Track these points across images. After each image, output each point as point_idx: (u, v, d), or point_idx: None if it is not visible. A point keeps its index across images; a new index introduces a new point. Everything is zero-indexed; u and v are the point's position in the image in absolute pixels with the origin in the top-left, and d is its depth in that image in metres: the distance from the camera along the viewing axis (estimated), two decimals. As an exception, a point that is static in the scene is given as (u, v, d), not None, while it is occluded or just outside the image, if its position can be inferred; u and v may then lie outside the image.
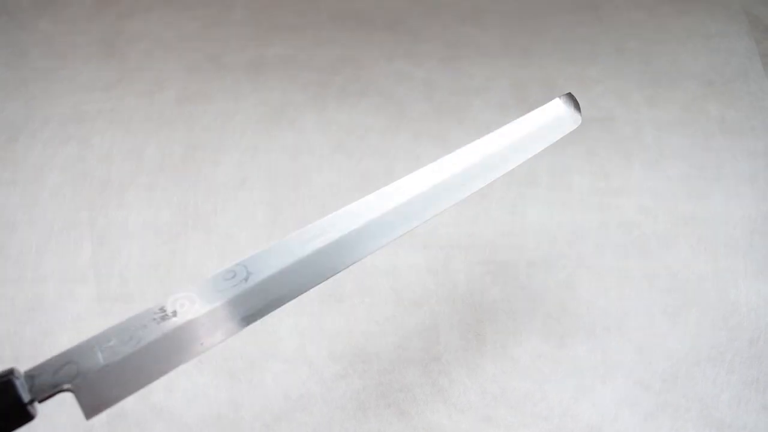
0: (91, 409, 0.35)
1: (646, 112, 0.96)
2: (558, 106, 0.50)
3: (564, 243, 0.83)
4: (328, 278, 0.43)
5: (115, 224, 0.83)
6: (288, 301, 0.43)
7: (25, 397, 0.34)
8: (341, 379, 0.71)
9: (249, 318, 0.41)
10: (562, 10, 1.10)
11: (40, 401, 0.34)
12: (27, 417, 0.34)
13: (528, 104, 0.95)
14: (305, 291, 0.43)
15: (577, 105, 0.50)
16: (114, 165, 0.89)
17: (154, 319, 0.37)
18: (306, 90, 0.99)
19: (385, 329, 0.74)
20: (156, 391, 0.69)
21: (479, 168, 0.46)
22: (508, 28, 1.08)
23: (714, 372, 0.72)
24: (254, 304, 0.41)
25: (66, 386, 0.35)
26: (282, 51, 1.04)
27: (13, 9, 1.09)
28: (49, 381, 0.34)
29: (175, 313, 0.38)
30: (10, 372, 0.34)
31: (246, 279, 0.41)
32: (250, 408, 0.68)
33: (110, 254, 0.81)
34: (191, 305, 0.38)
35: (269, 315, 0.42)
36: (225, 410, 0.68)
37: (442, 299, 0.77)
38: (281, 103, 0.97)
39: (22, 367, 0.35)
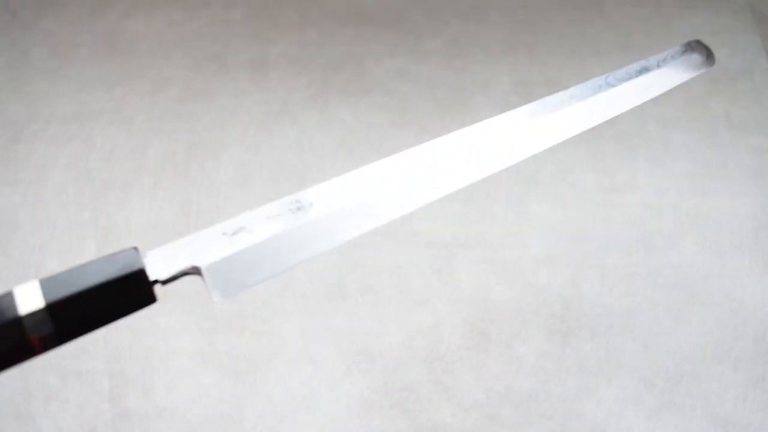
0: (218, 293, 0.35)
1: (650, 108, 0.96)
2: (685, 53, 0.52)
3: (568, 240, 0.82)
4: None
5: (118, 223, 0.83)
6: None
7: (151, 277, 0.33)
8: (345, 378, 0.71)
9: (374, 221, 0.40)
10: (566, 6, 1.09)
11: (164, 283, 0.34)
12: (151, 299, 0.33)
13: (531, 102, 0.94)
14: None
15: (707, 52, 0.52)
16: (116, 164, 0.89)
17: (290, 209, 0.38)
18: (308, 88, 0.99)
19: (388, 328, 0.74)
20: (159, 391, 0.69)
21: (601, 104, 0.47)
22: (511, 26, 1.07)
23: (719, 370, 0.72)
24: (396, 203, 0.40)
25: (192, 270, 0.34)
26: (284, 49, 1.04)
27: (15, 8, 1.09)
28: (175, 264, 0.34)
29: (311, 205, 0.38)
30: (135, 251, 0.33)
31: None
32: (253, 407, 0.68)
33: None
34: (327, 201, 0.39)
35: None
36: (228, 409, 0.68)
37: (446, 298, 0.77)
38: (283, 101, 0.97)
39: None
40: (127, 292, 0.31)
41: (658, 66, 0.50)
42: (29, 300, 0.29)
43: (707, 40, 0.56)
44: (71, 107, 0.95)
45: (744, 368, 0.72)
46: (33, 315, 0.29)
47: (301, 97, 0.97)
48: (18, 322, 0.29)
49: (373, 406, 0.69)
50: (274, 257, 0.37)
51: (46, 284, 0.30)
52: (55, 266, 0.79)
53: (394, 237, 0.82)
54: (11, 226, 0.82)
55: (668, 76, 0.50)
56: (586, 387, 0.70)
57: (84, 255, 0.80)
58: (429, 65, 1.01)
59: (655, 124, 0.94)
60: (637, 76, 0.49)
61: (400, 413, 0.68)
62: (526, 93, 0.97)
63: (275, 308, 0.75)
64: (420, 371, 0.71)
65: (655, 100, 0.94)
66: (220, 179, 0.87)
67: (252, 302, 0.75)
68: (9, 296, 0.29)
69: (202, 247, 0.35)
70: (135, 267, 0.32)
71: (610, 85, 0.48)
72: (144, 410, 0.68)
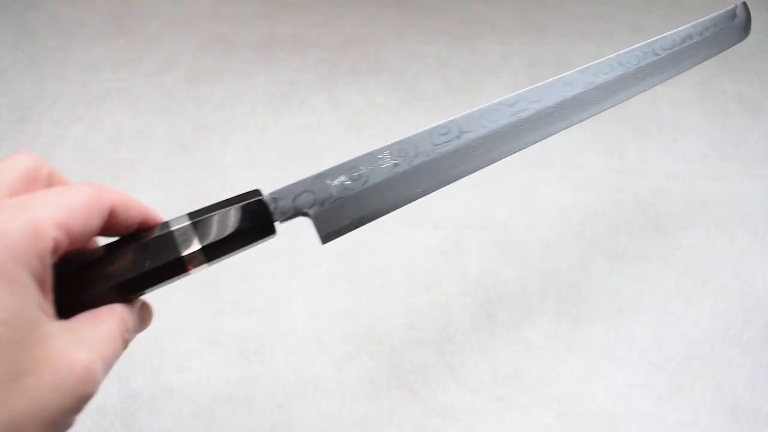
0: (326, 235, 0.40)
1: (661, 90, 0.95)
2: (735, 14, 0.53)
3: (577, 223, 0.82)
4: (527, 146, 0.45)
5: (126, 204, 0.82)
6: (490, 164, 0.44)
7: (271, 214, 0.38)
8: (353, 360, 0.70)
9: (457, 176, 0.43)
10: (576, -14, 1.08)
11: (282, 221, 0.39)
12: (270, 232, 0.38)
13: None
14: (507, 156, 0.45)
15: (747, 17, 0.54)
16: (123, 145, 0.89)
17: (379, 161, 0.41)
18: (316, 68, 0.98)
19: (396, 310, 0.74)
20: (167, 372, 0.69)
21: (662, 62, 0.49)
22: (522, 5, 1.06)
23: (729, 354, 0.71)
24: (465, 162, 0.43)
25: (305, 211, 0.39)
26: (292, 29, 1.03)
27: (21, -12, 1.08)
28: (290, 205, 0.39)
29: (398, 159, 0.42)
30: (257, 192, 0.38)
31: (459, 137, 0.43)
32: (261, 388, 0.68)
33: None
34: (412, 154, 0.42)
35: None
36: (236, 391, 0.68)
37: (454, 280, 0.76)
38: (291, 82, 0.96)
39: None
40: (252, 221, 0.37)
41: (701, 34, 0.51)
42: (177, 222, 0.36)
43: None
44: (78, 88, 0.95)
45: (754, 352, 0.71)
46: (181, 231, 0.35)
47: (309, 78, 0.97)
48: (171, 236, 0.35)
49: (381, 388, 0.68)
50: (376, 202, 0.41)
51: (191, 213, 0.36)
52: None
53: (402, 218, 0.81)
54: (19, 207, 0.82)
55: (711, 45, 0.51)
56: (595, 370, 0.70)
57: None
58: (438, 45, 1.00)
59: (667, 106, 0.93)
60: (681, 44, 0.50)
61: (407, 395, 0.68)
62: (536, 73, 0.96)
63: (283, 289, 0.75)
64: (428, 353, 0.71)
65: (667, 81, 0.93)
66: (228, 161, 0.87)
67: (260, 283, 0.75)
68: (164, 224, 0.36)
69: (312, 194, 0.40)
70: (259, 199, 0.38)
71: (656, 54, 0.49)
72: (152, 391, 0.68)
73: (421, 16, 1.04)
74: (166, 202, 0.83)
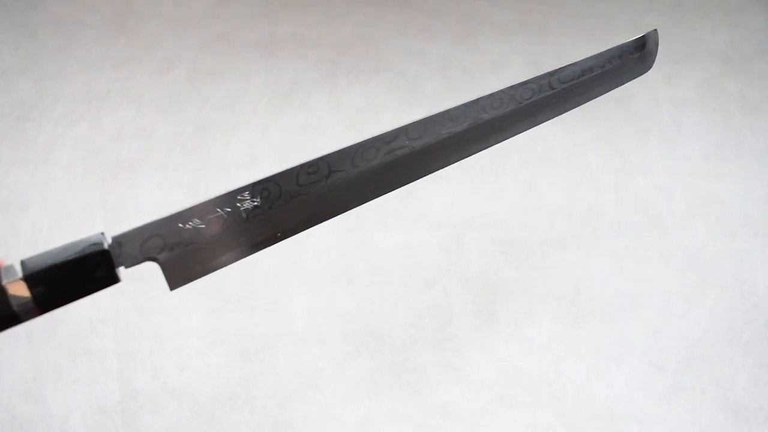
0: (174, 282, 0.37)
1: (663, 89, 0.95)
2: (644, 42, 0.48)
3: (579, 222, 0.82)
4: (402, 186, 0.42)
5: (126, 203, 0.83)
6: (359, 205, 0.41)
7: (114, 261, 0.35)
8: (354, 359, 0.70)
9: (323, 215, 0.41)
10: (577, -15, 1.08)
11: (127, 267, 0.36)
12: (113, 280, 0.35)
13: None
14: (378, 196, 0.42)
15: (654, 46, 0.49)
16: (125, 144, 0.89)
17: (239, 203, 0.38)
18: (317, 68, 0.98)
19: (397, 309, 0.74)
20: (168, 371, 0.69)
21: (555, 98, 0.46)
22: (523, 4, 1.06)
23: (730, 354, 0.71)
24: (331, 202, 0.41)
25: (153, 256, 0.36)
26: (293, 29, 1.03)
27: (22, -13, 1.08)
28: (137, 250, 0.36)
29: (259, 200, 0.39)
30: (101, 236, 0.36)
31: (327, 176, 0.41)
32: (262, 387, 0.68)
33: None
34: (276, 195, 0.39)
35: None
36: (237, 389, 0.68)
37: (455, 278, 0.76)
38: (292, 82, 0.96)
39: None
40: (92, 271, 0.35)
41: (603, 66, 0.47)
42: (10, 274, 0.33)
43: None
44: (79, 87, 0.95)
45: (755, 352, 0.71)
46: (12, 284, 0.33)
47: (309, 77, 0.97)
48: (1, 290, 0.33)
49: (382, 387, 0.68)
50: (231, 247, 0.38)
51: (25, 262, 0.34)
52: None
53: (403, 217, 0.81)
54: (20, 206, 0.82)
55: (611, 78, 0.47)
56: (596, 369, 0.70)
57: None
58: (439, 44, 1.00)
59: (668, 106, 0.93)
60: (580, 77, 0.46)
61: (409, 393, 0.68)
62: (537, 72, 0.96)
63: (283, 288, 0.75)
64: (429, 352, 0.71)
65: (668, 81, 0.93)
66: (229, 160, 0.87)
67: (260, 282, 0.75)
68: None
69: (162, 238, 0.37)
70: (99, 249, 0.35)
71: (552, 88, 0.46)
72: (153, 390, 0.68)
73: (421, 15, 1.04)
74: (167, 200, 0.83)
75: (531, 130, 0.47)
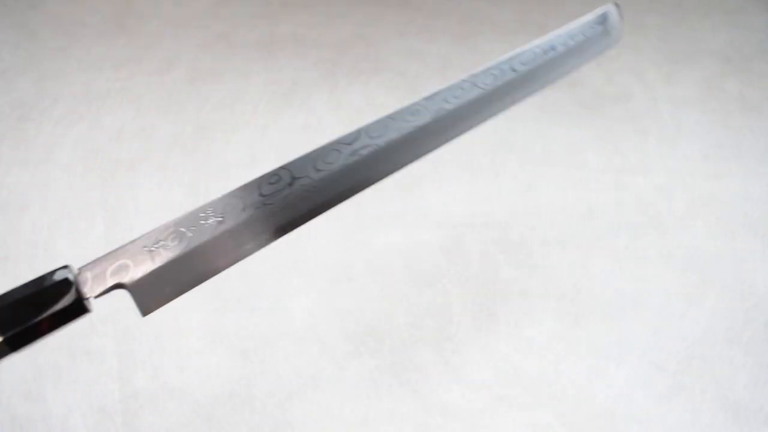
0: (145, 307, 0.37)
1: (663, 89, 0.95)
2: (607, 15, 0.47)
3: (578, 222, 0.82)
4: (372, 185, 0.41)
5: (126, 203, 0.83)
6: (329, 209, 0.41)
7: (81, 292, 0.35)
8: (353, 358, 0.70)
9: (291, 224, 0.40)
10: (577, -15, 1.08)
11: (96, 297, 0.36)
12: (82, 311, 0.35)
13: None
14: (347, 198, 0.41)
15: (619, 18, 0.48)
16: (125, 144, 0.89)
17: (202, 220, 0.38)
18: (317, 68, 0.98)
19: (397, 308, 0.74)
20: (168, 371, 0.69)
21: (521, 80, 0.45)
22: (523, 4, 1.06)
23: (730, 354, 0.71)
24: (298, 209, 0.40)
25: (122, 283, 0.36)
26: (292, 29, 1.03)
27: (22, -13, 1.08)
28: (105, 278, 0.36)
29: (222, 216, 0.38)
30: (66, 268, 0.35)
31: (291, 184, 0.40)
32: (262, 386, 0.68)
33: (122, 233, 0.80)
34: (239, 209, 0.39)
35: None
36: (237, 389, 0.68)
37: (455, 278, 0.76)
38: (292, 82, 0.96)
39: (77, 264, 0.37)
40: (59, 304, 0.35)
41: (565, 44, 0.46)
42: None
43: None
44: (79, 87, 0.95)
45: (755, 352, 0.71)
46: None
47: (309, 77, 0.97)
48: None
49: (382, 387, 0.68)
50: (199, 265, 0.38)
51: None
52: (63, 246, 0.79)
53: (403, 217, 0.81)
54: (21, 206, 0.82)
55: (576, 55, 0.47)
56: (596, 369, 0.70)
57: (93, 234, 0.80)
58: (439, 44, 1.00)
59: (668, 105, 0.93)
60: (543, 56, 0.46)
61: (408, 393, 0.68)
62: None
63: (283, 288, 0.75)
64: (429, 352, 0.71)
65: (668, 80, 0.93)
66: (229, 160, 0.87)
67: (260, 282, 0.75)
68: None
69: (128, 262, 0.37)
70: (63, 280, 0.35)
71: (515, 71, 0.45)
72: (153, 390, 0.68)
73: (421, 15, 1.04)
74: (167, 200, 0.83)
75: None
